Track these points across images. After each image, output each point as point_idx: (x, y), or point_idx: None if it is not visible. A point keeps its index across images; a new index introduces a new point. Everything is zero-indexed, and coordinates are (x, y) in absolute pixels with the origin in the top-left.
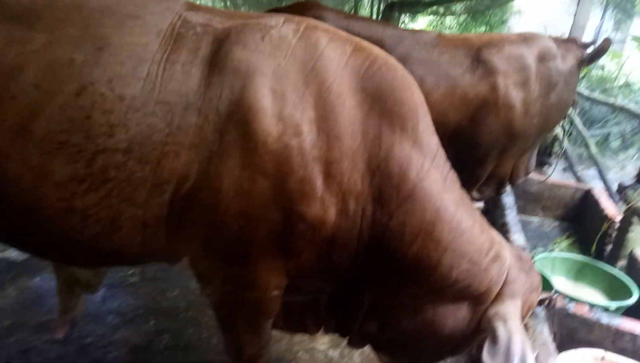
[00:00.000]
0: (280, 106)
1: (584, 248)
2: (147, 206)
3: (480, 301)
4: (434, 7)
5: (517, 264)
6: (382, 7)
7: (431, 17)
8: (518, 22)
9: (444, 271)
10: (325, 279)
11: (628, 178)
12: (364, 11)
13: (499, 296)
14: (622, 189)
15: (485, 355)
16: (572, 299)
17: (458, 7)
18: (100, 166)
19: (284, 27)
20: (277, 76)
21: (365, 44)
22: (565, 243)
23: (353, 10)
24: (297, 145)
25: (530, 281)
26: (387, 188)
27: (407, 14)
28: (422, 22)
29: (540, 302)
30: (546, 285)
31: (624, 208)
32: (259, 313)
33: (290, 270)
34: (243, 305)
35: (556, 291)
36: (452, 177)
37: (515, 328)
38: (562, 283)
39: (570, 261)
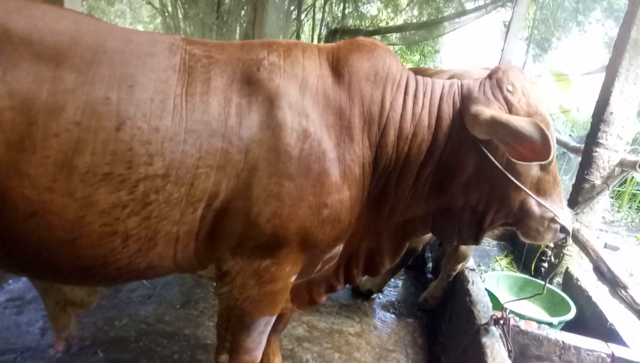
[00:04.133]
0: (290, 118)
1: (521, 266)
2: (180, 223)
3: (462, 124)
4: (372, 36)
5: (457, 88)
6: (323, 32)
7: None
8: (449, 52)
9: (415, 152)
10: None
11: None
12: (304, 37)
13: (465, 117)
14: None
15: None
16: (520, 316)
17: (394, 36)
18: (142, 191)
19: (270, 56)
20: (280, 95)
21: (322, 45)
22: (504, 261)
23: (295, 35)
24: (308, 146)
25: (486, 88)
26: (373, 131)
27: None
28: None
29: (495, 321)
30: (496, 303)
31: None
32: (273, 304)
33: (316, 254)
34: (260, 298)
35: (510, 311)
36: (409, 76)
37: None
38: (505, 299)
39: (512, 279)
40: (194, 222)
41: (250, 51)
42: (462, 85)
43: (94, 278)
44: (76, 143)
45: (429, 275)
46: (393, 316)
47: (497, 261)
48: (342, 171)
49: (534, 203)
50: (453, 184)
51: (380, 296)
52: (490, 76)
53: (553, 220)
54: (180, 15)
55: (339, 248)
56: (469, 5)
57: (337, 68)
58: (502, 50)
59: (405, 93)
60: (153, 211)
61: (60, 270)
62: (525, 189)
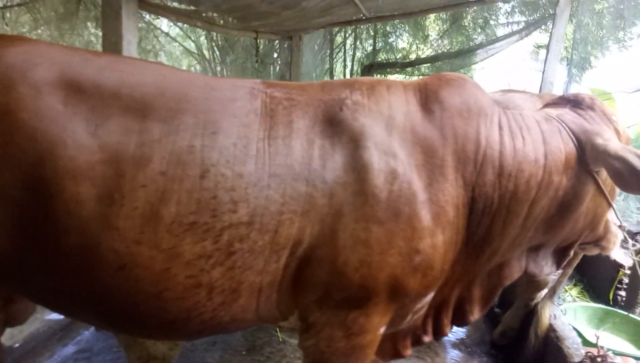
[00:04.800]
0: (376, 158)
1: (593, 295)
2: (264, 273)
3: (572, 168)
4: (407, 68)
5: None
6: (356, 67)
7: (396, 75)
8: (483, 78)
9: (523, 188)
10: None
11: (632, 224)
12: (336, 74)
13: (583, 151)
14: (631, 235)
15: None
16: (612, 352)
17: (424, 66)
18: (226, 240)
19: (353, 95)
20: (365, 135)
21: (407, 81)
22: (574, 291)
23: (328, 73)
24: (397, 187)
25: (598, 116)
26: (468, 169)
27: (381, 73)
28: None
29: (592, 360)
30: (584, 339)
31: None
32: (362, 357)
33: (406, 304)
34: (349, 352)
35: (608, 349)
36: (499, 111)
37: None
38: (586, 333)
39: (591, 310)
40: (277, 271)
41: (331, 91)
42: (559, 116)
43: (177, 332)
44: (162, 193)
45: (496, 309)
46: (465, 355)
47: (566, 291)
48: (435, 213)
49: (610, 217)
50: (566, 219)
51: (449, 334)
52: (591, 106)
53: (618, 227)
54: (217, 61)
55: (430, 296)
56: (501, 31)
57: (427, 105)
58: (543, 73)
59: (500, 128)
60: (237, 261)
61: (145, 324)
62: (615, 210)
